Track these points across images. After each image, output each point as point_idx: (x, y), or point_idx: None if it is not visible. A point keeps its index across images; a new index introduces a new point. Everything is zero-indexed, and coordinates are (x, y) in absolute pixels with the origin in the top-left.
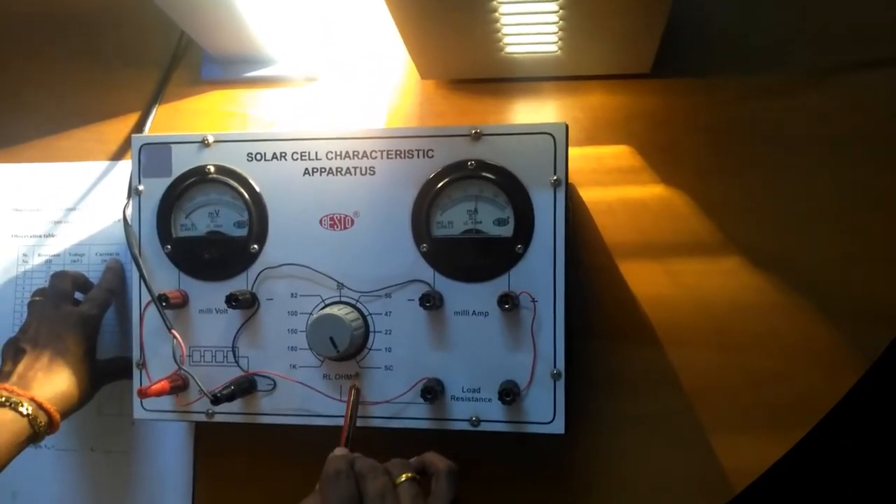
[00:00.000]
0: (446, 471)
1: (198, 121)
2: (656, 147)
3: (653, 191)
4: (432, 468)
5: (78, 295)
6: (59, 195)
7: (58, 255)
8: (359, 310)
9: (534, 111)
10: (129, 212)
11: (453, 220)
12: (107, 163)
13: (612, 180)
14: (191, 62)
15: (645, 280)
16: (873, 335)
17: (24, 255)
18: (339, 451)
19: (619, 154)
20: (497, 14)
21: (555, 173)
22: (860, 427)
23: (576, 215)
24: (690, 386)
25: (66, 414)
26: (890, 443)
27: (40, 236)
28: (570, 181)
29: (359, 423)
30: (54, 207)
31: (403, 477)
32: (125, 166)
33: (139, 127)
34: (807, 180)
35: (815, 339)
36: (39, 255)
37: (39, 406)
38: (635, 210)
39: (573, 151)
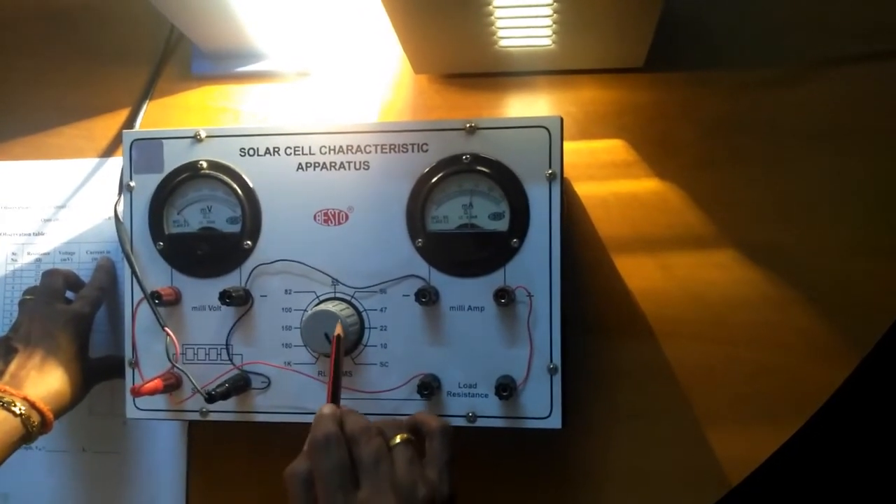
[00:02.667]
0: (440, 430)
1: (189, 117)
2: (649, 141)
3: (646, 184)
4: (425, 427)
5: (69, 294)
6: (48, 193)
7: (47, 254)
8: (354, 306)
9: (527, 105)
10: (120, 208)
11: (448, 214)
12: (97, 160)
13: (606, 174)
14: (181, 57)
15: (639, 273)
16: (868, 327)
17: (13, 253)
18: (328, 408)
19: (612, 148)
20: (491, 8)
21: (550, 167)
22: (856, 419)
23: (570, 209)
24: (685, 379)
25: (58, 413)
26: (886, 434)
27: (29, 234)
28: (564, 175)
29: None
30: (43, 205)
31: (398, 439)
32: (115, 163)
33: (129, 123)
34: (801, 173)
35: (810, 331)
36: (29, 253)
37: (32, 405)
38: (629, 204)
39: (566, 146)
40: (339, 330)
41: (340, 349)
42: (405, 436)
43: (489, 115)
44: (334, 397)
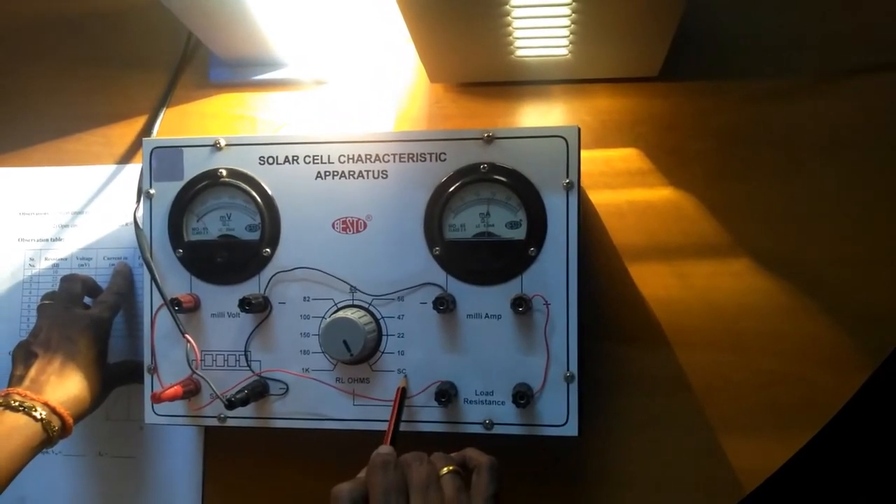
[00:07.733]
0: (488, 465)
1: (206, 124)
2: (664, 150)
3: (661, 193)
4: (473, 462)
5: (87, 299)
6: (66, 198)
7: (65, 259)
8: (372, 313)
9: (542, 114)
10: (139, 215)
11: (466, 223)
12: (114, 166)
13: (621, 183)
14: (198, 65)
15: (654, 282)
16: (880, 336)
17: (31, 259)
18: (384, 448)
19: (627, 157)
20: (509, 18)
21: (567, 176)
22: (868, 428)
23: (585, 218)
24: (700, 387)
25: (78, 418)
26: None
27: (47, 240)
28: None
29: (371, 426)
30: (61, 211)
31: (446, 469)
32: (133, 170)
33: (147, 130)
34: (814, 183)
35: (823, 340)
36: (46, 258)
37: (53, 410)
38: (644, 212)
39: (582, 154)
40: (403, 383)
41: (403, 400)
42: (453, 467)
43: (504, 124)
44: (392, 441)
